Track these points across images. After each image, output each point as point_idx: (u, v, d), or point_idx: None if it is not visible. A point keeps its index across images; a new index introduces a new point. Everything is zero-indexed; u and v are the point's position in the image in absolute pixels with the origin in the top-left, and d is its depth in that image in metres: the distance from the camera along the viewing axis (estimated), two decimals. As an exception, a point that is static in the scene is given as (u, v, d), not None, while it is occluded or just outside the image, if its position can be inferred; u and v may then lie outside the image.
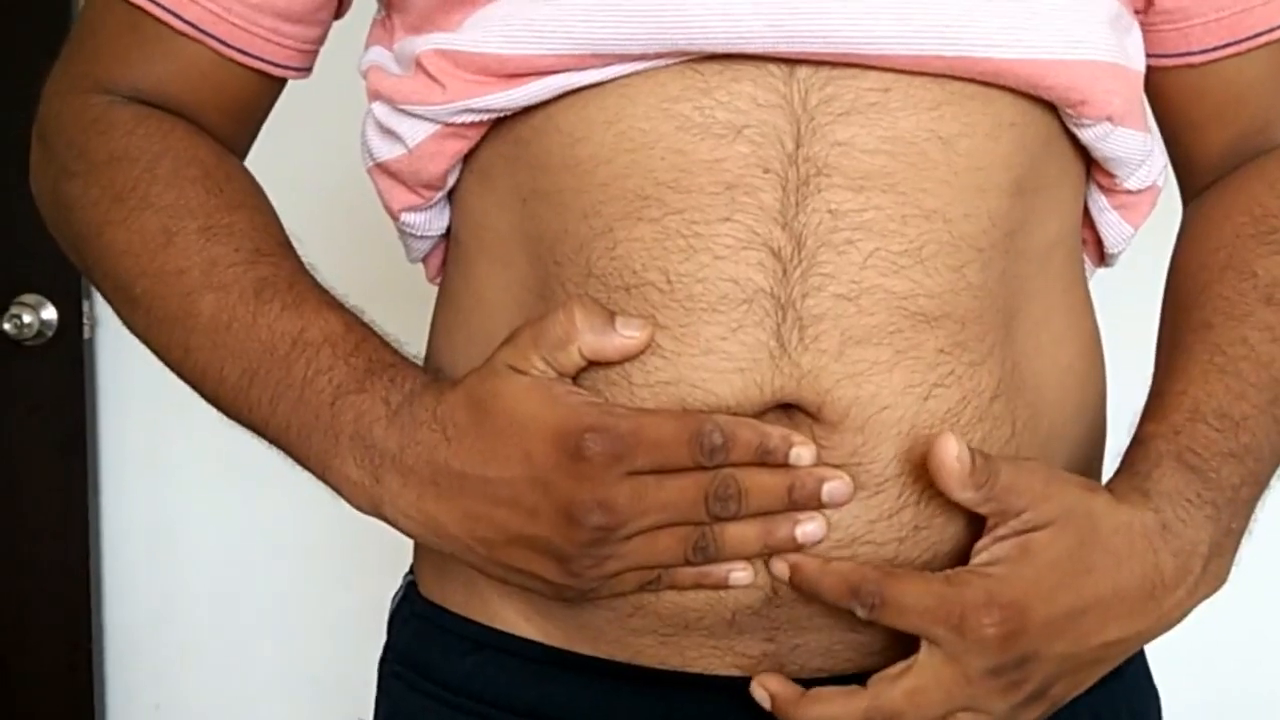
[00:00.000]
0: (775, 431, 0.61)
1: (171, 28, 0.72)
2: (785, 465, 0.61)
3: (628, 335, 0.62)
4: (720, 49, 0.62)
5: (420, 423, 0.62)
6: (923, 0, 0.62)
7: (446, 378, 0.66)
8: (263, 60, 0.74)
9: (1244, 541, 0.67)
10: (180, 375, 0.70)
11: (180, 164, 0.70)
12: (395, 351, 0.67)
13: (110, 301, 0.73)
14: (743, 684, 0.66)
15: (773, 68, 0.63)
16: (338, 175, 0.75)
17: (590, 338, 0.61)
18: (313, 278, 0.70)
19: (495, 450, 0.61)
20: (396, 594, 0.79)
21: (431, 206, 0.73)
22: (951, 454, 0.60)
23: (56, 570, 1.69)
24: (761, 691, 0.64)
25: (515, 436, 0.60)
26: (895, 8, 0.61)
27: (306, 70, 0.77)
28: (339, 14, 0.77)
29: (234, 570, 1.71)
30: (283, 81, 0.77)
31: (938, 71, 0.63)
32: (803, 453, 0.61)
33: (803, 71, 0.63)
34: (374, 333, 0.67)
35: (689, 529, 0.61)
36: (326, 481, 0.66)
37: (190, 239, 0.68)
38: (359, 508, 0.65)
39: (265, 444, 0.68)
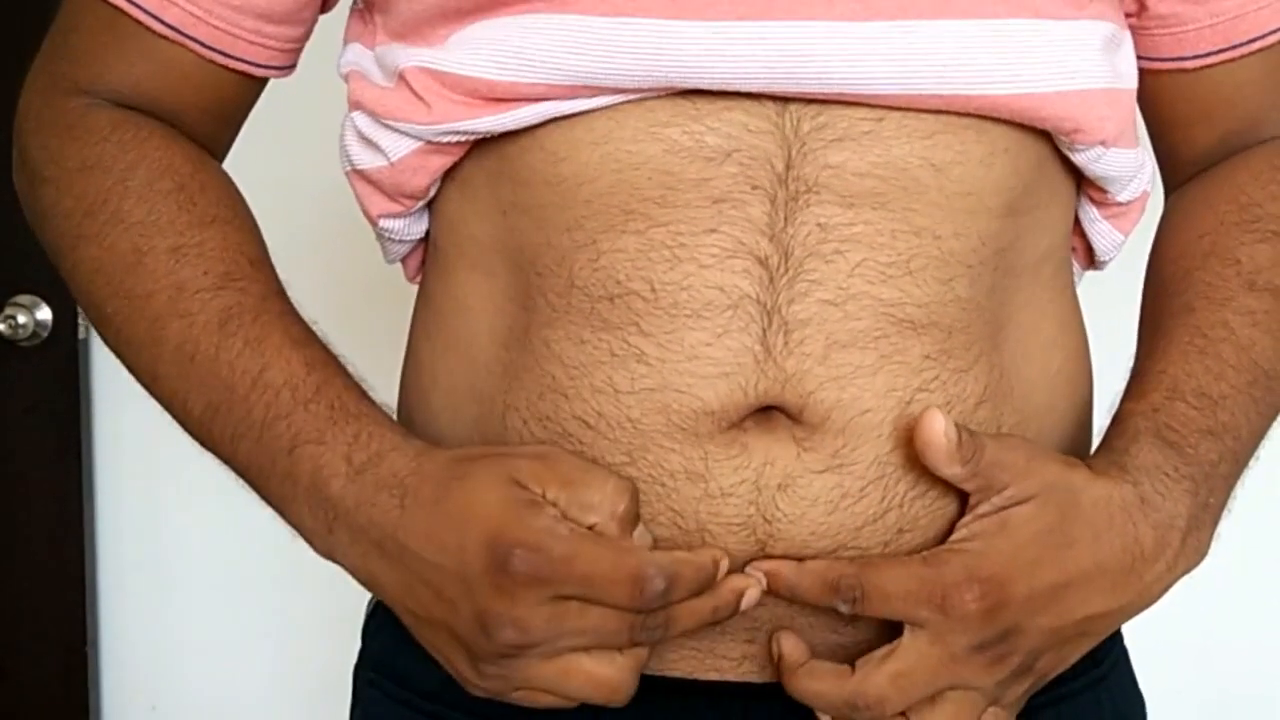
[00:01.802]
0: (711, 561, 0.61)
1: (151, 30, 0.71)
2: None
3: (639, 542, 0.61)
4: (715, 87, 0.61)
5: (382, 486, 0.61)
6: (917, 41, 0.61)
7: (419, 441, 0.64)
8: (245, 62, 0.72)
9: (1240, 548, 0.67)
10: (151, 396, 0.69)
11: (154, 175, 0.69)
12: (360, 396, 0.65)
13: (86, 315, 0.72)
14: (720, 689, 0.66)
15: (765, 100, 0.62)
16: (333, 171, 0.74)
17: (612, 526, 0.59)
18: (282, 302, 0.69)
19: (436, 534, 0.60)
20: (371, 600, 0.79)
21: (411, 213, 0.72)
22: (938, 429, 0.60)
23: (52, 571, 1.68)
24: (775, 646, 0.64)
25: (457, 527, 0.59)
26: (890, 50, 0.61)
27: (290, 69, 0.76)
28: (325, 9, 0.75)
29: (229, 571, 1.70)
30: (264, 82, 0.76)
31: (933, 108, 0.63)
32: (752, 594, 0.62)
33: (795, 104, 0.62)
34: (339, 372, 0.66)
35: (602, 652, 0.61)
36: (285, 521, 0.66)
37: (159, 259, 0.67)
38: (315, 550, 0.65)
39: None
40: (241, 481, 0.67)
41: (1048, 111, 0.64)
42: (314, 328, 0.69)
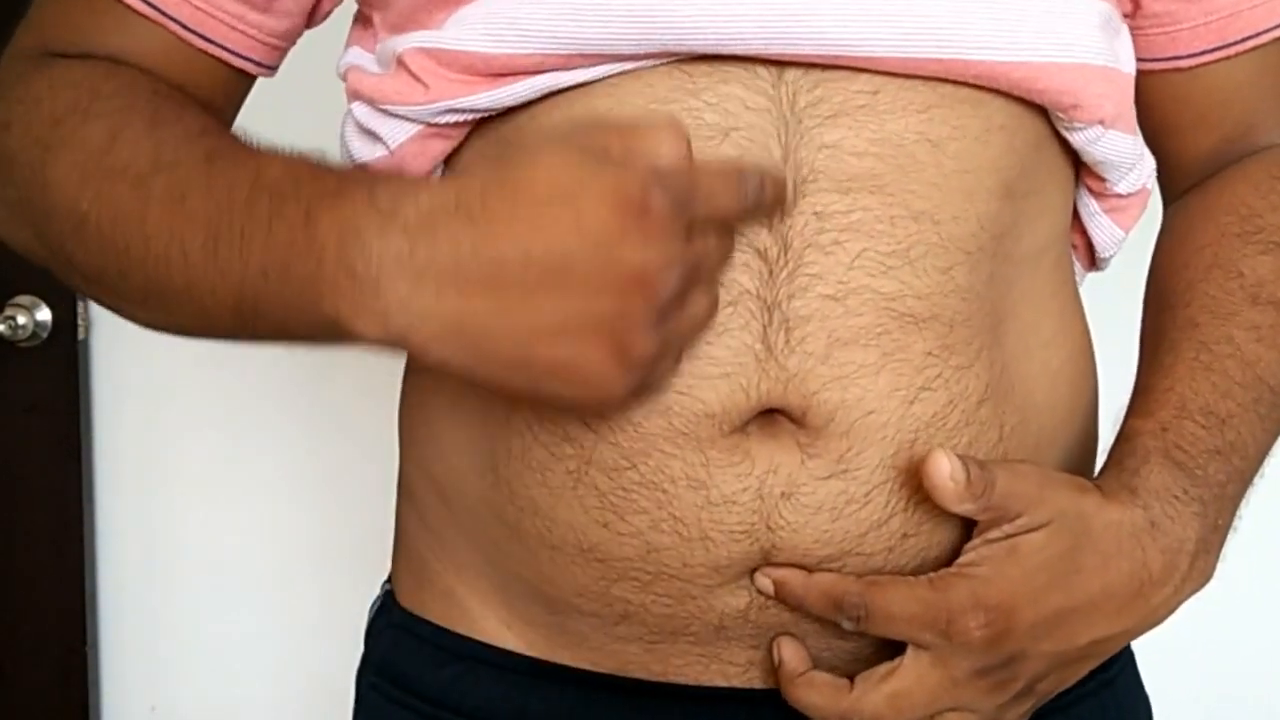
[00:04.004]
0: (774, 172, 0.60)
1: (132, 8, 0.69)
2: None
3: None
4: (710, 50, 0.61)
5: (435, 214, 0.54)
6: (914, 2, 0.61)
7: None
8: (223, 48, 0.71)
9: (1243, 549, 0.67)
10: (141, 299, 0.63)
11: (129, 81, 0.66)
12: (365, 168, 0.61)
13: (57, 240, 0.65)
14: (726, 694, 0.66)
15: (761, 69, 0.62)
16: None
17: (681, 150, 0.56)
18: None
19: (539, 223, 0.53)
20: (374, 603, 0.78)
21: None
22: (945, 474, 0.60)
23: (52, 573, 1.68)
24: (776, 652, 0.64)
25: (562, 204, 0.53)
26: (887, 10, 0.61)
27: (270, 68, 0.74)
28: (314, 20, 0.75)
29: (229, 573, 1.70)
30: (246, 80, 0.74)
31: (929, 74, 0.62)
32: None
33: (791, 74, 0.62)
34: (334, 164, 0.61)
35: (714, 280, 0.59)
36: (321, 318, 0.56)
37: (138, 131, 0.62)
38: (365, 339, 0.56)
39: (254, 345, 0.61)
40: (261, 317, 0.58)
41: (1045, 83, 0.64)
42: None
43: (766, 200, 0.58)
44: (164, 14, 0.70)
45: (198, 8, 0.70)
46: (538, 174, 0.54)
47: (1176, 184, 0.78)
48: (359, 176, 0.58)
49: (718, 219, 0.57)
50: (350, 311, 0.55)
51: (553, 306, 0.54)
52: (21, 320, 1.61)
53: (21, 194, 0.66)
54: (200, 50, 0.71)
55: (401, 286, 0.54)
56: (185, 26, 0.70)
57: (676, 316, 0.56)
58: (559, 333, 0.54)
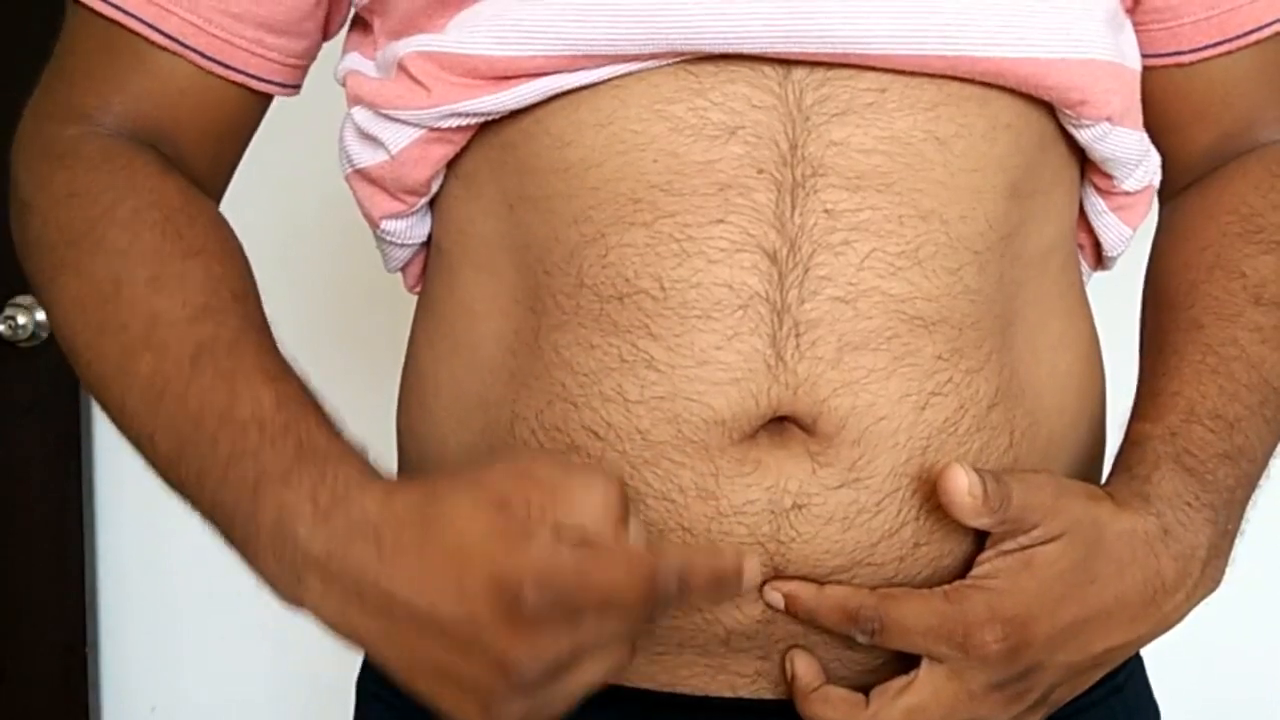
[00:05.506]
0: (730, 559, 0.57)
1: (150, 41, 0.69)
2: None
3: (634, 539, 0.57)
4: (716, 49, 0.61)
5: (354, 532, 0.57)
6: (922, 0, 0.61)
7: (385, 477, 0.60)
8: (245, 74, 0.71)
9: (1248, 553, 0.67)
10: (125, 437, 0.65)
11: (142, 205, 0.66)
12: (330, 434, 0.61)
13: (66, 353, 0.68)
14: (734, 705, 0.66)
15: (767, 68, 0.62)
16: (334, 176, 0.74)
17: (607, 530, 0.55)
18: (260, 335, 0.65)
19: (428, 579, 0.55)
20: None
21: (413, 213, 0.71)
22: (962, 489, 0.59)
23: (52, 573, 1.68)
24: (789, 666, 0.64)
25: (452, 568, 0.55)
26: (894, 7, 0.61)
27: (293, 88, 0.74)
28: (328, 33, 0.74)
29: (230, 573, 1.68)
30: (266, 100, 0.74)
31: (937, 71, 0.62)
32: (751, 568, 0.58)
33: (798, 72, 0.62)
34: (311, 409, 0.62)
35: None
36: (252, 569, 0.61)
37: (138, 290, 0.64)
38: (282, 600, 0.60)
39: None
40: (212, 527, 0.63)
41: (1053, 80, 0.64)
42: (294, 364, 0.65)
43: (699, 591, 0.56)
44: (183, 45, 0.69)
45: (215, 36, 0.69)
46: (449, 524, 0.56)
47: (1175, 180, 0.78)
48: (314, 452, 0.59)
49: (622, 608, 0.55)
50: (272, 578, 0.60)
51: (429, 651, 0.56)
52: (21, 320, 1.60)
53: (34, 284, 0.69)
54: (221, 78, 0.71)
55: (316, 585, 0.58)
56: (205, 55, 0.70)
57: (550, 689, 0.56)
58: (434, 674, 0.57)
